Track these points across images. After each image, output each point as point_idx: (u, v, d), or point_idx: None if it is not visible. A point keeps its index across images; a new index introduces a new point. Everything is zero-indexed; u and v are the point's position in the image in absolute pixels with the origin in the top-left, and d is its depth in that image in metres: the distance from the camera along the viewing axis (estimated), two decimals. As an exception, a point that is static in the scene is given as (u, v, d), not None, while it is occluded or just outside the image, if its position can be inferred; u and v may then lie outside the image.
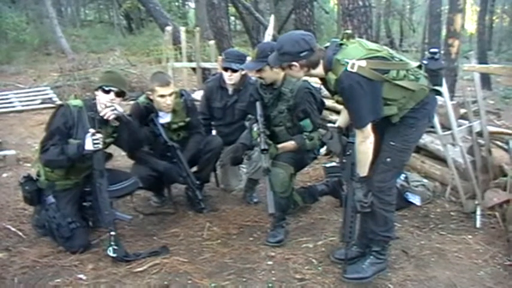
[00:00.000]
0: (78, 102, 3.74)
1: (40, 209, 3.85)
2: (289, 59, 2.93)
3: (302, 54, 2.90)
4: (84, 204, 3.84)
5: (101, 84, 3.68)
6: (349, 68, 2.79)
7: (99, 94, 3.68)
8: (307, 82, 3.94)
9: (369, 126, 2.90)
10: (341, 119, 3.32)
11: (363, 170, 3.02)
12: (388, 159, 3.03)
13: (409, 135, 3.05)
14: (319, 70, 2.97)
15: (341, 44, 2.96)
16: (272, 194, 3.67)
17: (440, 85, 3.11)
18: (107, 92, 3.65)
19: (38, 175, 3.80)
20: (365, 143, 2.93)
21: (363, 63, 2.80)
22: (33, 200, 3.86)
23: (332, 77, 2.88)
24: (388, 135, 3.03)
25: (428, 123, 3.22)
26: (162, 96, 4.14)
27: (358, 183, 3.04)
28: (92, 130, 3.52)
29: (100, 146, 3.54)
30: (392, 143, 3.03)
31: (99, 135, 3.53)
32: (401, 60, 2.97)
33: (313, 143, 3.93)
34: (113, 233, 3.50)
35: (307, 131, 3.91)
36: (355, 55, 2.84)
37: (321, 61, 2.94)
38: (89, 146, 3.51)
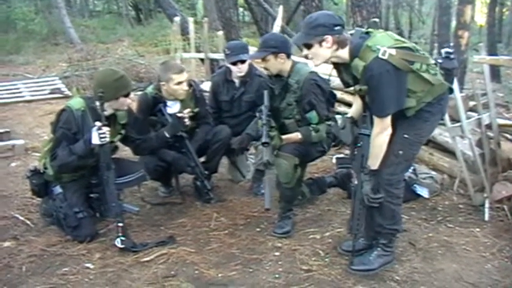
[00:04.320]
0: (80, 103, 3.69)
1: (48, 199, 3.87)
2: (323, 31, 2.88)
3: (336, 28, 2.87)
4: (91, 196, 3.84)
5: (121, 93, 3.65)
6: (380, 55, 2.77)
7: (120, 100, 3.67)
8: (314, 73, 3.89)
9: (389, 118, 2.89)
10: (353, 110, 3.31)
11: (374, 162, 3.00)
12: (401, 152, 3.01)
13: (422, 129, 3.05)
14: (345, 53, 2.94)
15: (367, 33, 2.95)
16: (269, 189, 3.66)
17: (452, 84, 3.11)
18: (127, 95, 3.69)
19: (45, 168, 3.80)
20: (382, 135, 2.93)
21: (393, 51, 2.79)
22: (40, 192, 3.90)
23: (360, 63, 2.85)
24: (402, 128, 3.01)
25: (441, 119, 3.21)
26: (179, 83, 4.15)
27: (367, 175, 3.03)
28: (98, 123, 3.50)
29: (107, 139, 3.52)
30: (405, 135, 3.01)
31: (105, 129, 3.51)
32: (423, 53, 2.97)
33: (320, 135, 3.88)
34: (120, 224, 3.51)
35: (313, 123, 3.87)
36: (385, 43, 2.83)
37: (348, 45, 2.92)
38: (95, 140, 3.49)
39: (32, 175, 3.85)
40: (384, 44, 2.83)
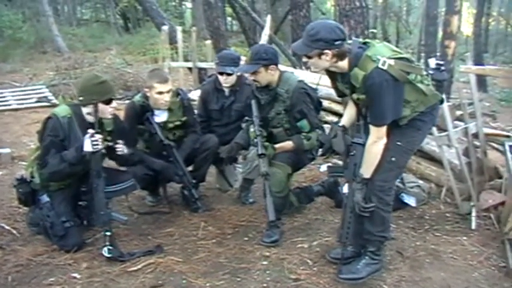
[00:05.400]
0: (66, 110, 3.66)
1: (34, 208, 3.83)
2: (324, 46, 2.90)
3: (337, 43, 2.89)
4: (80, 203, 3.82)
5: (101, 99, 3.61)
6: (380, 65, 2.81)
7: (100, 106, 3.62)
8: (303, 82, 3.94)
9: (385, 127, 2.93)
10: (345, 118, 3.32)
11: (368, 171, 3.03)
12: (393, 159, 3.04)
13: (415, 137, 3.10)
14: (344, 64, 2.97)
15: (365, 43, 2.99)
16: (272, 201, 3.68)
17: (442, 94, 3.17)
18: (108, 102, 3.64)
19: (32, 177, 3.78)
20: (377, 144, 2.96)
21: (392, 62, 2.84)
22: (27, 202, 3.85)
23: (360, 72, 2.87)
24: (395, 136, 3.04)
25: (431, 129, 3.26)
26: (160, 93, 4.13)
27: (359, 184, 3.05)
28: (91, 131, 3.47)
29: (99, 146, 3.49)
30: (398, 143, 3.04)
31: (98, 136, 3.49)
32: (418, 64, 3.03)
33: (311, 143, 3.93)
34: (108, 233, 3.48)
35: (304, 132, 3.91)
36: (385, 54, 2.88)
37: (347, 56, 2.94)
38: (87, 147, 3.46)
39: (18, 184, 3.81)
40: (383, 54, 2.87)
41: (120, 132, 3.92)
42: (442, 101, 3.17)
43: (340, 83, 3.17)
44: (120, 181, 3.88)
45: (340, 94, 3.29)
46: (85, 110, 3.65)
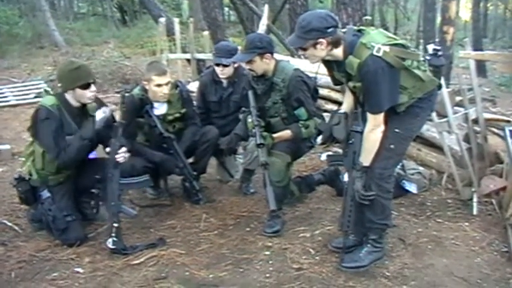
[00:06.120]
0: (52, 100, 3.65)
1: (36, 204, 3.83)
2: (317, 35, 2.89)
3: (329, 30, 2.88)
4: (92, 191, 3.88)
5: (77, 84, 3.59)
6: (375, 52, 2.80)
7: (77, 92, 3.62)
8: (299, 70, 3.93)
9: (382, 115, 2.92)
10: (346, 106, 3.32)
11: (367, 159, 3.02)
12: (392, 146, 3.03)
13: (413, 124, 3.09)
14: (339, 52, 2.96)
15: (359, 30, 2.98)
16: (272, 190, 3.68)
17: (440, 80, 3.14)
18: (86, 87, 3.63)
19: (30, 174, 3.77)
20: (375, 131, 2.95)
21: (387, 48, 2.82)
22: (28, 200, 3.84)
23: (355, 60, 2.86)
24: (393, 124, 3.03)
25: (429, 115, 3.24)
26: (158, 85, 4.11)
27: (358, 172, 3.04)
28: (104, 109, 3.64)
29: (107, 114, 3.68)
30: (396, 130, 3.03)
31: (106, 109, 3.65)
32: (414, 50, 3.01)
33: (309, 131, 3.92)
34: (115, 224, 3.49)
35: (302, 120, 3.90)
36: (379, 40, 2.86)
37: (342, 44, 2.93)
38: (99, 116, 3.64)
39: (17, 183, 3.81)
40: (377, 41, 2.86)
41: (107, 122, 3.90)
42: (440, 87, 3.15)
43: (336, 72, 3.16)
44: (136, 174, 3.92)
45: (337, 82, 3.29)
46: (67, 96, 3.66)
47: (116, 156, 3.64)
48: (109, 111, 3.71)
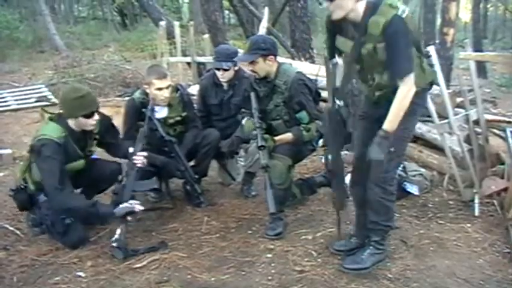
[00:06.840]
0: (58, 130, 3.56)
1: (34, 209, 3.83)
2: None
3: None
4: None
5: (80, 113, 3.56)
6: (399, 13, 2.75)
7: (80, 120, 3.60)
8: (301, 73, 3.94)
9: (412, 77, 2.81)
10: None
11: (393, 124, 2.89)
12: (392, 149, 3.00)
13: (410, 122, 3.03)
14: (361, 8, 2.84)
15: None
16: (272, 193, 3.68)
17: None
18: (89, 116, 3.60)
19: (25, 182, 3.78)
20: (408, 97, 2.84)
21: (409, 14, 2.81)
22: (27, 206, 3.85)
23: (380, 20, 2.76)
24: None
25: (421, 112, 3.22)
26: (159, 89, 4.11)
27: (379, 137, 2.91)
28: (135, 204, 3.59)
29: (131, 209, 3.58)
30: (396, 131, 3.00)
31: (137, 205, 3.60)
32: None
33: (311, 134, 3.93)
34: (123, 225, 3.53)
35: (303, 123, 3.90)
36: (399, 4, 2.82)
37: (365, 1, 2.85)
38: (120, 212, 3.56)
39: (15, 194, 3.83)
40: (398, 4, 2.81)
41: (107, 129, 3.93)
42: (431, 84, 3.11)
43: (342, 39, 3.05)
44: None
45: (332, 54, 3.19)
46: (70, 122, 3.63)
47: (135, 158, 3.69)
48: (137, 208, 3.60)
